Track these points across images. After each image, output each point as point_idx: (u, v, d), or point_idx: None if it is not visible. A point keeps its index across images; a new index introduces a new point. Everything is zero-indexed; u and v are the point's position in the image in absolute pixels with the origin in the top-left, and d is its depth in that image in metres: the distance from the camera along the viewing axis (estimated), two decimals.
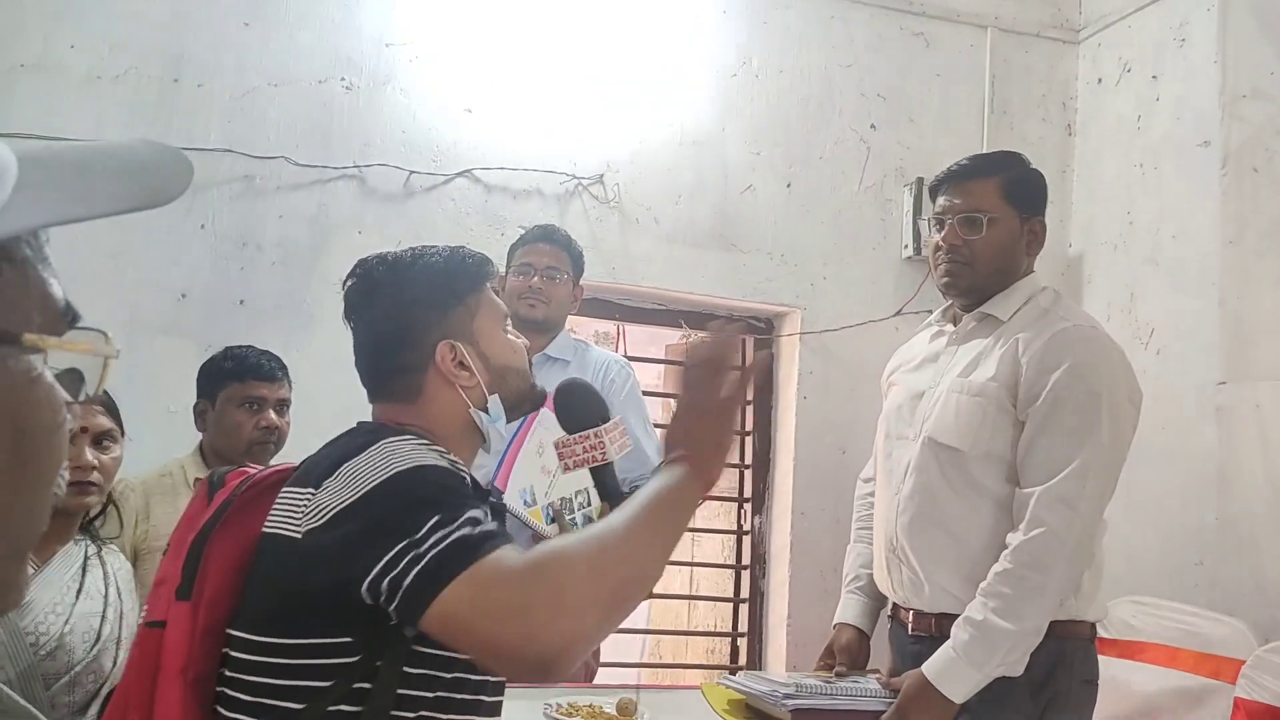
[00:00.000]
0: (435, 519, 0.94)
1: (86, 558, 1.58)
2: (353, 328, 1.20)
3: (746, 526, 3.14)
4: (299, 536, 1.01)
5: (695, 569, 3.50)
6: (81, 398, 0.48)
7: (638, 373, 2.53)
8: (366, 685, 0.98)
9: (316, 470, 1.05)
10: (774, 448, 3.11)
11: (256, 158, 2.64)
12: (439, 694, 1.02)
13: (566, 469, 1.25)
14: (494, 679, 1.10)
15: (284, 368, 2.18)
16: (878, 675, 1.79)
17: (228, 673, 1.03)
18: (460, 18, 2.84)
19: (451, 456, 1.08)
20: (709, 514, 3.42)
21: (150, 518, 2.06)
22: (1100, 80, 3.20)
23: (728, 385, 1.08)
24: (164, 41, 2.63)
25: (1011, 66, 3.25)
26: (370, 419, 1.19)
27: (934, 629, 1.76)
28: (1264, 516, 2.44)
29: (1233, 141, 2.58)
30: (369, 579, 0.93)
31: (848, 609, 1.97)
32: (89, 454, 1.58)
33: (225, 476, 1.15)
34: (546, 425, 1.99)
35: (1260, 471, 2.46)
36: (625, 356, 2.79)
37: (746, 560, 3.14)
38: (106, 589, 1.56)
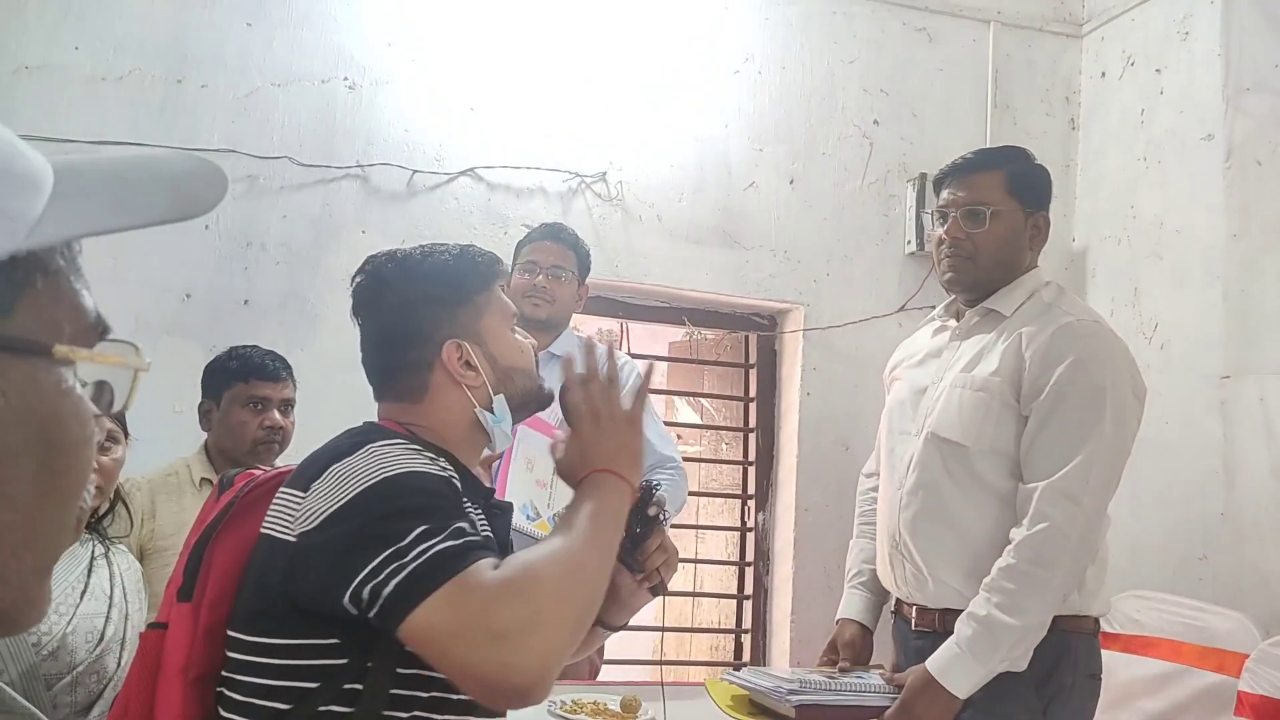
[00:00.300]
0: (421, 529, 0.94)
1: (93, 558, 1.58)
2: (360, 325, 1.19)
3: (750, 523, 3.15)
4: (290, 539, 1.01)
5: (699, 566, 3.50)
6: (111, 410, 0.47)
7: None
8: (358, 686, 0.98)
9: (308, 472, 1.05)
10: (777, 444, 3.11)
11: (260, 158, 2.64)
12: (434, 694, 1.02)
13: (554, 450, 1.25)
14: None
15: (288, 368, 2.19)
16: (881, 671, 1.80)
17: (224, 673, 1.04)
18: (462, 17, 2.84)
19: (443, 462, 1.07)
20: (713, 511, 3.42)
21: (156, 517, 2.07)
22: (1104, 74, 3.19)
23: (622, 398, 1.12)
24: (167, 42, 2.64)
25: (1014, 61, 3.24)
26: (375, 419, 1.19)
27: (938, 624, 1.76)
28: (1268, 510, 2.43)
29: (1236, 135, 2.58)
30: (352, 586, 0.93)
31: (850, 604, 1.97)
32: None
33: (234, 479, 1.15)
34: (528, 440, 1.99)
35: (1265, 465, 2.46)
36: (629, 354, 2.79)
37: (750, 557, 3.14)
38: (112, 589, 1.56)
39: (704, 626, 3.54)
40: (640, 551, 1.20)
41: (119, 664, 1.50)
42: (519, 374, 1.20)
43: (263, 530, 1.06)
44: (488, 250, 1.23)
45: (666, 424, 2.74)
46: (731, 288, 3.00)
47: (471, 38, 2.83)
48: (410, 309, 1.15)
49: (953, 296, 1.93)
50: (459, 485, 1.06)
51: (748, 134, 3.03)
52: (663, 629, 3.83)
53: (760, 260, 3.02)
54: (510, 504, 1.25)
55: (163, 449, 2.19)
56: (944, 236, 1.82)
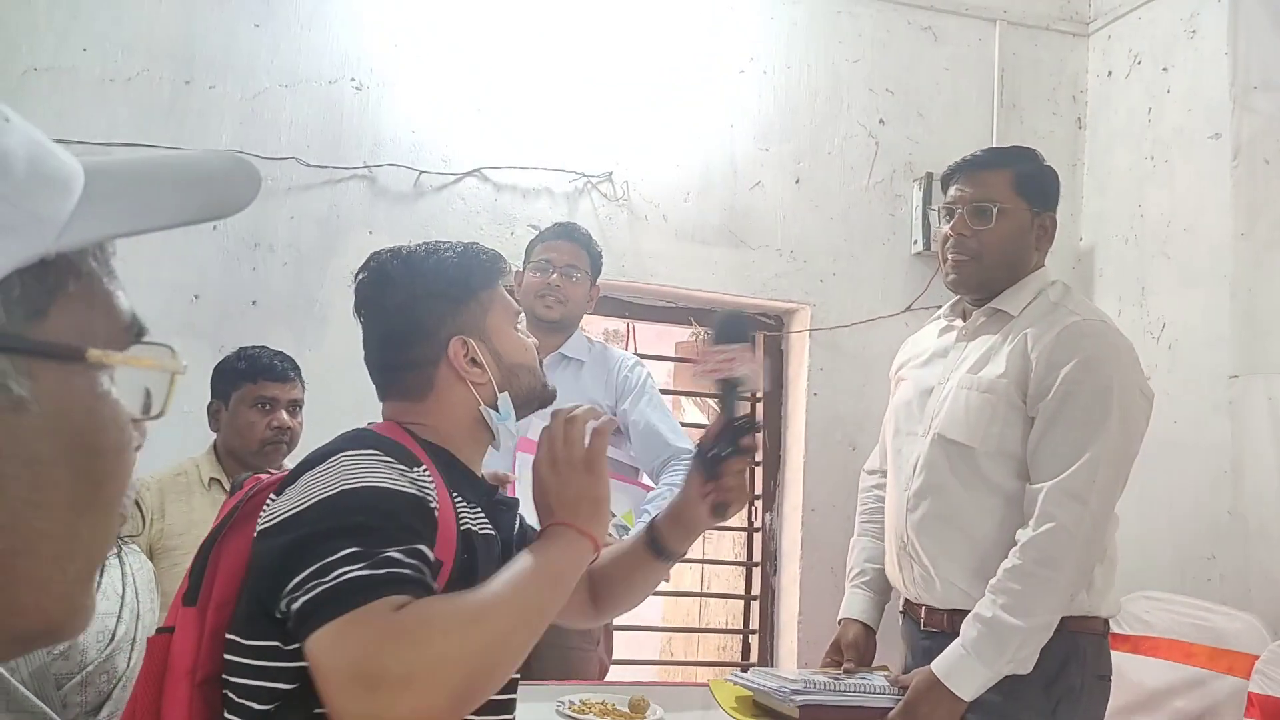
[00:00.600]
0: (351, 550, 0.91)
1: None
2: (363, 321, 1.18)
3: (757, 523, 3.14)
4: (257, 539, 1.02)
5: (706, 566, 3.50)
6: (149, 415, 0.46)
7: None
8: None
9: (289, 478, 1.05)
10: (784, 444, 3.11)
11: (267, 159, 2.65)
12: None
13: (696, 375, 1.29)
14: None
15: (296, 368, 2.20)
16: (886, 672, 1.79)
17: (223, 675, 1.04)
18: (468, 18, 2.84)
19: (420, 471, 1.04)
20: None
21: (165, 516, 2.08)
22: (1110, 73, 3.18)
23: (584, 441, 1.10)
24: (175, 44, 2.65)
25: (1021, 60, 3.23)
26: (381, 418, 1.19)
27: (946, 625, 1.76)
28: (1277, 510, 2.43)
29: (1244, 133, 2.57)
30: (283, 593, 0.93)
31: (853, 604, 1.97)
32: None
33: (243, 482, 1.16)
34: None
35: (1273, 465, 2.45)
36: (635, 354, 2.80)
37: (758, 557, 3.14)
38: (124, 589, 1.57)
39: (712, 627, 3.54)
40: (722, 467, 1.23)
41: (129, 663, 1.51)
42: (523, 371, 1.19)
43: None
44: (492, 248, 1.23)
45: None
46: (738, 288, 3.00)
47: (478, 38, 2.84)
48: (415, 306, 1.14)
49: (958, 296, 1.92)
50: (429, 499, 1.02)
51: (753, 134, 3.03)
52: (661, 629, 3.84)
53: (766, 260, 3.02)
54: (517, 500, 1.25)
55: (171, 449, 2.20)
56: (949, 233, 1.82)
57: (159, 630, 1.08)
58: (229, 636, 1.03)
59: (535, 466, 1.12)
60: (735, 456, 1.24)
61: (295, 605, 0.91)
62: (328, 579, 0.90)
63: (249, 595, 1.01)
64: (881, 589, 1.96)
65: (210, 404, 2.19)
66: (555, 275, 2.28)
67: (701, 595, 3.58)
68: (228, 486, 2.10)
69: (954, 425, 1.76)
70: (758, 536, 3.15)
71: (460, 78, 2.82)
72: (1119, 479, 1.71)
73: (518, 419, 1.21)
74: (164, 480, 2.14)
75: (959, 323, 1.89)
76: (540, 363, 1.25)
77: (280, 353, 2.19)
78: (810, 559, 2.94)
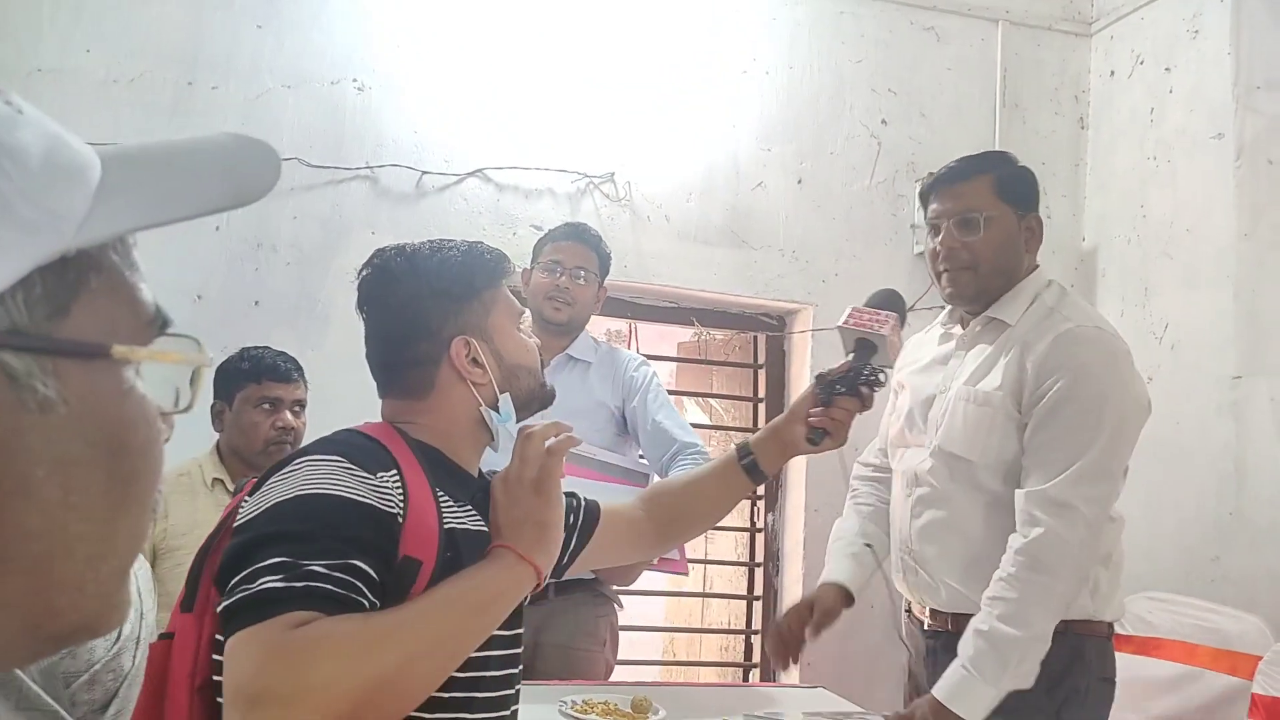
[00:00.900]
0: (280, 559, 0.91)
1: None
2: (366, 318, 1.18)
3: (760, 524, 3.15)
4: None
5: (709, 566, 3.50)
6: (177, 409, 0.45)
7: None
8: None
9: (261, 479, 1.05)
10: None
11: None
12: None
13: (844, 324, 1.49)
14: (490, 674, 1.08)
15: (299, 368, 2.20)
16: (886, 716, 1.74)
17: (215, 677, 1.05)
18: (471, 19, 2.85)
19: (387, 476, 1.02)
20: None
21: (169, 516, 2.08)
22: (1113, 73, 3.18)
23: (538, 460, 1.07)
24: (179, 45, 2.66)
25: (1023, 60, 3.23)
26: (380, 418, 1.19)
27: (950, 625, 1.75)
28: None
29: (1246, 133, 2.57)
30: (225, 593, 0.93)
31: (838, 568, 1.90)
32: None
33: (245, 485, 1.16)
34: None
35: (1277, 465, 2.45)
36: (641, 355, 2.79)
37: (760, 558, 3.14)
38: None
39: (714, 627, 3.54)
40: (835, 399, 1.38)
41: (134, 661, 1.51)
42: (524, 372, 1.19)
43: None
44: (495, 248, 1.23)
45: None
46: (740, 288, 3.00)
47: (480, 39, 2.84)
48: (418, 304, 1.14)
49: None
50: (389, 507, 0.99)
51: (756, 134, 3.03)
52: (663, 630, 3.84)
53: (769, 260, 3.02)
54: None
55: (175, 449, 2.18)
56: (939, 248, 1.79)
57: (160, 636, 1.08)
58: (218, 638, 1.03)
59: (492, 483, 1.11)
60: (850, 396, 1.39)
61: (219, 609, 0.92)
62: (250, 587, 0.90)
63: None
64: (868, 563, 1.92)
65: (213, 404, 2.19)
66: (564, 277, 2.26)
67: (704, 595, 3.58)
68: (230, 487, 2.11)
69: (953, 439, 1.76)
70: (760, 537, 3.15)
71: (463, 78, 2.82)
72: (1111, 485, 1.68)
73: (518, 420, 1.20)
74: (167, 480, 2.14)
75: (957, 330, 1.87)
76: (544, 364, 1.25)
77: (283, 353, 2.19)
78: (812, 559, 2.94)
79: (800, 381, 3.08)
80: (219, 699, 1.02)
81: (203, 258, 2.61)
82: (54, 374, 0.39)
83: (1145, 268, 2.95)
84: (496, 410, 1.16)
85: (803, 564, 2.96)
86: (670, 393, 3.54)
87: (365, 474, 1.00)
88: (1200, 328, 2.72)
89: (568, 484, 1.78)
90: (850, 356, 1.48)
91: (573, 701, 1.70)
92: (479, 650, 1.02)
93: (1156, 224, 2.92)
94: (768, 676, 3.04)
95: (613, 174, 2.90)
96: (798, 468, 3.03)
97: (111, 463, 0.41)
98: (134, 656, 1.53)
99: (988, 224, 1.76)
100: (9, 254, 0.37)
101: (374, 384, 1.20)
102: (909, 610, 1.92)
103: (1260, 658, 2.20)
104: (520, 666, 1.17)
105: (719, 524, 3.32)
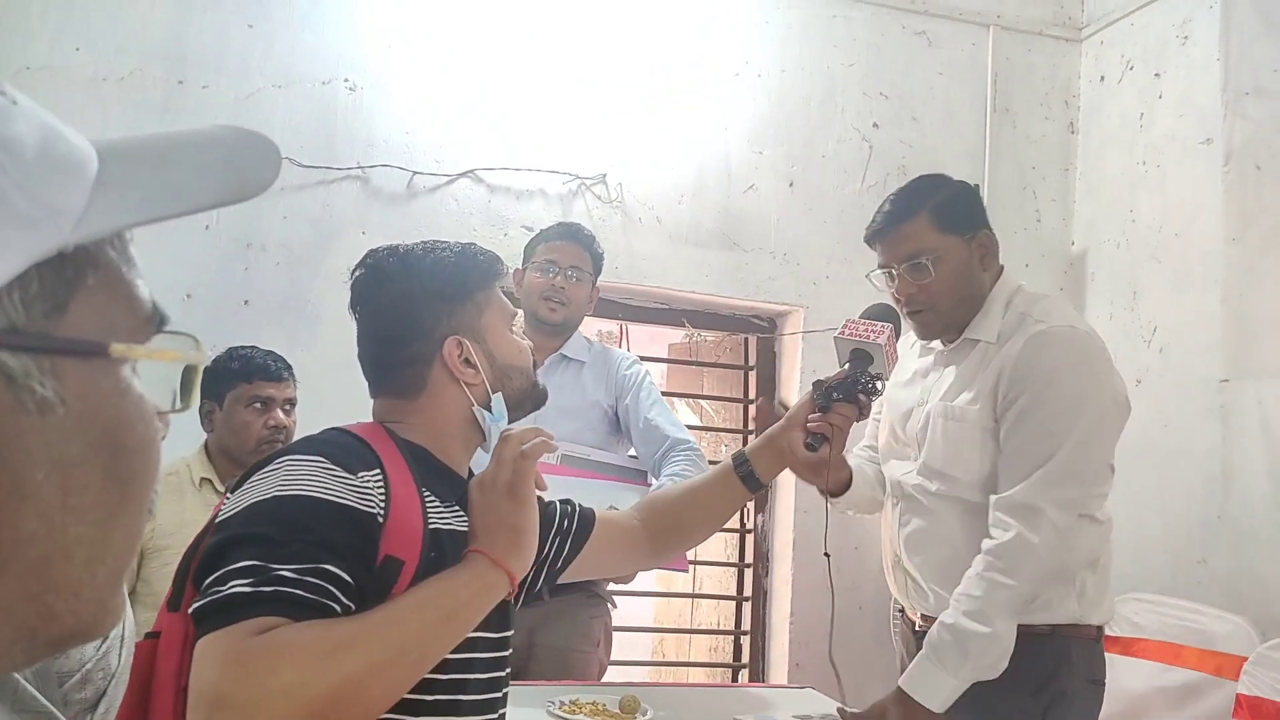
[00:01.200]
0: (251, 562, 0.90)
1: None
2: (358, 318, 1.18)
3: (749, 525, 3.15)
4: None
5: (698, 567, 3.51)
6: (174, 408, 0.44)
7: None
8: None
9: (242, 478, 1.04)
10: None
11: None
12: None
13: (840, 335, 1.54)
14: (475, 677, 1.08)
15: (290, 368, 2.20)
16: (841, 708, 1.73)
17: None
18: (462, 19, 2.85)
19: (368, 475, 1.02)
20: None
21: (156, 516, 2.08)
22: (1103, 78, 3.20)
23: (513, 464, 1.05)
24: (169, 43, 2.65)
25: (1014, 65, 3.25)
26: (371, 417, 1.19)
27: None
28: (1267, 513, 2.44)
29: (1235, 139, 2.58)
30: (199, 594, 0.93)
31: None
32: None
33: (232, 486, 1.15)
34: None
35: (1263, 469, 2.47)
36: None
37: (749, 559, 3.14)
38: None
39: (703, 628, 3.54)
40: (833, 405, 1.43)
41: (120, 660, 1.51)
42: (516, 373, 1.19)
43: None
44: (489, 249, 1.23)
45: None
46: (731, 290, 3.01)
47: (471, 40, 2.84)
48: (411, 304, 1.14)
49: None
50: (369, 507, 0.99)
51: (747, 136, 3.04)
52: (653, 630, 3.84)
53: (760, 262, 3.03)
54: None
55: (164, 448, 2.19)
56: (897, 296, 1.77)
57: (146, 635, 1.08)
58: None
59: (469, 486, 1.10)
60: (848, 403, 1.44)
61: (190, 611, 0.91)
62: (220, 590, 0.90)
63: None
64: (872, 481, 1.91)
65: (202, 404, 2.18)
66: (559, 277, 2.26)
67: (693, 596, 3.58)
68: (219, 486, 2.10)
69: (934, 455, 1.77)
70: (749, 538, 3.15)
71: (454, 79, 2.82)
72: (1085, 486, 1.67)
73: (510, 421, 1.20)
74: None
75: (936, 344, 1.87)
76: (537, 364, 1.25)
77: (273, 353, 2.19)
78: (802, 560, 2.95)
79: (791, 383, 3.08)
80: None
81: (192, 257, 2.60)
82: (52, 374, 0.38)
83: (1134, 272, 2.96)
84: (489, 410, 1.16)
85: (792, 565, 2.96)
86: (663, 394, 3.55)
87: (346, 474, 1.00)
88: (1188, 331, 2.74)
89: (568, 487, 1.78)
90: (845, 366, 1.48)
91: (561, 702, 1.70)
92: (463, 653, 1.02)
93: (1146, 228, 2.94)
94: (756, 677, 3.04)
95: (604, 175, 2.90)
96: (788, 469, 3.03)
97: (110, 463, 0.40)
98: (120, 655, 1.53)
99: (936, 264, 1.72)
100: (5, 250, 0.36)
101: (364, 384, 1.20)
102: (901, 611, 1.93)
103: (1245, 658, 2.22)
104: (509, 670, 1.17)
105: None
